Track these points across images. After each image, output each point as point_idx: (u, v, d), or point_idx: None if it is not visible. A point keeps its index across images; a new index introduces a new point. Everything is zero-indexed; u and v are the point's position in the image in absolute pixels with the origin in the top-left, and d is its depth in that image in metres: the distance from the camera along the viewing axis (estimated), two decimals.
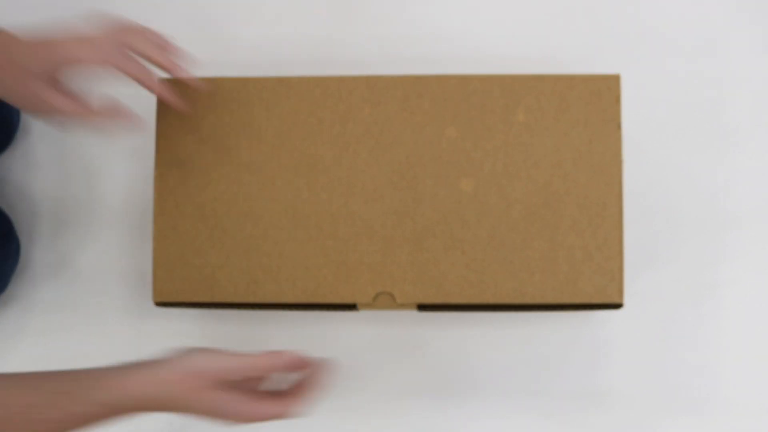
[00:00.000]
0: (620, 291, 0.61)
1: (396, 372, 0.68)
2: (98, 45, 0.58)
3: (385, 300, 0.63)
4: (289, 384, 0.56)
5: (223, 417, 0.54)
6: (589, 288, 0.61)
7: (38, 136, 0.76)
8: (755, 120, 0.73)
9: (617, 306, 0.62)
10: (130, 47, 0.59)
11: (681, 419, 0.73)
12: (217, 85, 0.64)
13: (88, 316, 0.75)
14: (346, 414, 0.73)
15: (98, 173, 0.76)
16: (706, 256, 0.73)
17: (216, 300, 0.63)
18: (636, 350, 0.73)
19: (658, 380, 0.73)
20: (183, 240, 0.63)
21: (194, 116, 0.64)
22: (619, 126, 0.62)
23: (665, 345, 0.73)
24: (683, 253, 0.73)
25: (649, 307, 0.72)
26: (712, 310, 0.73)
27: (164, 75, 0.59)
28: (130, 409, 0.53)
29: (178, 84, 0.62)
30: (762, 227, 0.73)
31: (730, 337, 0.72)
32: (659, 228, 0.73)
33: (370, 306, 0.63)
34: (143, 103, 0.73)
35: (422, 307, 0.63)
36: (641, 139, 0.71)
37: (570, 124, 0.62)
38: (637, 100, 0.68)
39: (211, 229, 0.63)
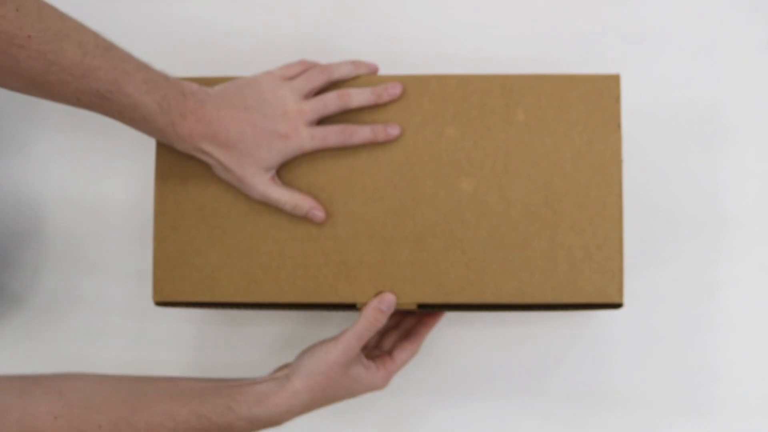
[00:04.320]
0: (620, 291, 0.61)
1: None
2: (323, 131, 0.61)
3: None
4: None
5: (362, 392, 0.62)
6: (589, 288, 0.61)
7: (38, 136, 0.76)
8: (755, 120, 0.73)
9: (617, 306, 0.62)
10: (348, 107, 0.62)
11: (681, 419, 0.73)
12: (216, 85, 0.64)
13: (88, 316, 0.75)
14: (345, 414, 0.73)
15: (99, 173, 0.76)
16: (706, 255, 0.73)
17: (216, 300, 0.63)
18: (636, 350, 0.73)
19: (658, 380, 0.73)
20: (183, 240, 0.63)
21: None
22: (619, 126, 0.62)
23: (665, 345, 0.73)
24: (683, 253, 0.73)
25: (649, 307, 0.72)
26: (712, 310, 0.73)
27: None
28: (273, 423, 0.59)
29: None
30: (762, 227, 0.73)
31: (731, 337, 0.72)
32: (659, 228, 0.73)
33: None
34: None
35: (422, 307, 0.63)
36: (641, 139, 0.71)
37: (570, 124, 0.62)
38: (637, 100, 0.67)
39: (211, 229, 0.63)
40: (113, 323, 0.75)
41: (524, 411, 0.73)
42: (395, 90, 0.62)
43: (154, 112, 0.57)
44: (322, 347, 0.60)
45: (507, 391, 0.73)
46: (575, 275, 0.61)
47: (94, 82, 0.54)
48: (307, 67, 0.63)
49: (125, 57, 0.56)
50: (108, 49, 0.55)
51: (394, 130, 0.62)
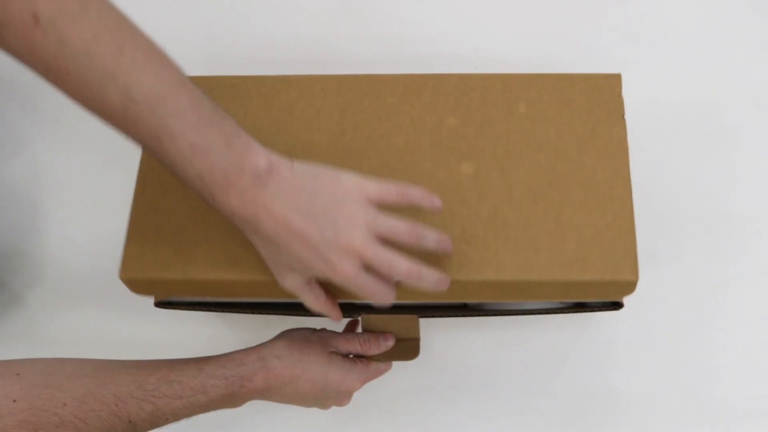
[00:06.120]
0: (635, 268, 0.56)
1: (396, 373, 0.65)
2: (368, 283, 0.52)
3: None
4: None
5: (335, 381, 0.60)
6: (601, 264, 0.56)
7: (38, 136, 0.75)
8: (756, 120, 0.74)
9: (618, 307, 0.60)
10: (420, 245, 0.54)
11: (683, 420, 0.68)
12: (216, 83, 0.63)
13: (88, 315, 0.72)
14: (346, 415, 0.68)
15: (99, 172, 0.75)
16: (710, 256, 0.71)
17: (189, 277, 0.58)
18: (638, 351, 0.70)
19: (660, 381, 0.69)
20: (161, 217, 0.60)
21: None
22: (622, 116, 0.61)
23: (667, 346, 0.70)
24: (685, 253, 0.71)
25: (651, 308, 0.70)
26: (715, 311, 0.70)
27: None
28: (246, 378, 0.57)
29: None
30: (765, 227, 0.71)
31: (734, 338, 0.70)
32: (662, 228, 0.71)
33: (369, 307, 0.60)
34: None
35: (423, 313, 0.60)
36: (643, 140, 0.71)
37: (573, 115, 0.61)
38: (638, 100, 0.68)
39: (192, 208, 0.60)
40: (113, 323, 0.72)
41: (526, 412, 0.69)
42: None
43: (191, 179, 0.49)
44: (308, 328, 0.63)
45: (508, 393, 0.69)
46: (585, 252, 0.57)
47: (132, 131, 0.48)
48: (406, 201, 0.55)
49: (181, 112, 0.47)
50: (162, 99, 0.47)
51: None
